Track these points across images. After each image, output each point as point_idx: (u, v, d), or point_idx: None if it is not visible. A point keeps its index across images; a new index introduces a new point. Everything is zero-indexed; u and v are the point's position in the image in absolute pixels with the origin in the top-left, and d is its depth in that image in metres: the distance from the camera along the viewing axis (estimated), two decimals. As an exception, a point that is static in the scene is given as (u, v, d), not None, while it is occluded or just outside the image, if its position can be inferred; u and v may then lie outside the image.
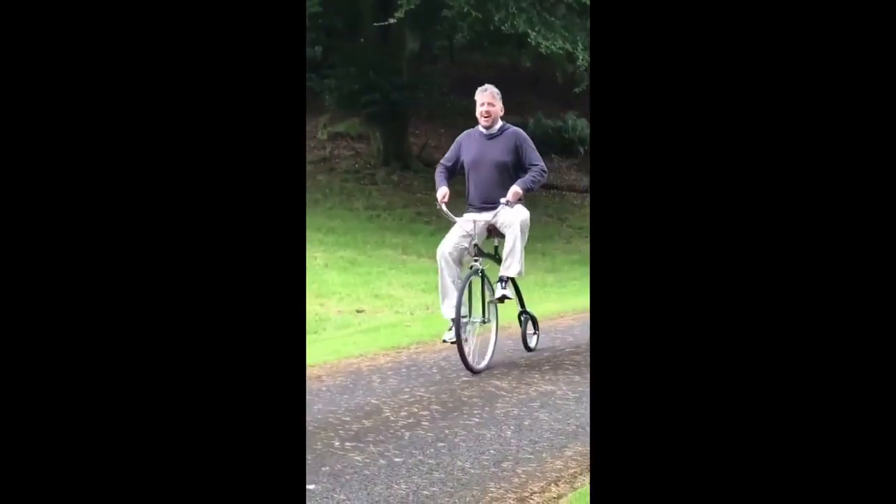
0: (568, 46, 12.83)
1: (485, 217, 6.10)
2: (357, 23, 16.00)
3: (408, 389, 5.51)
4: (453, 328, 5.85)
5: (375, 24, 13.96)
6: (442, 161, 6.39)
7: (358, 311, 8.55)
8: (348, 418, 4.88)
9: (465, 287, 5.94)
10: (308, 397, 5.27)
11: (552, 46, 12.70)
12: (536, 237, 13.47)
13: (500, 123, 6.23)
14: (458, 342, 5.81)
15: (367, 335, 7.42)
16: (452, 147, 6.37)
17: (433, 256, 11.55)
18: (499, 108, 6.21)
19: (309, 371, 5.95)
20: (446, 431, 4.68)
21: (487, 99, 6.18)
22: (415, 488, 3.85)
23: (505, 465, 4.21)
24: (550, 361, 6.36)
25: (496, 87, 6.25)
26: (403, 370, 5.99)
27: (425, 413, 5.03)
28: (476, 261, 6.07)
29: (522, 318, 6.61)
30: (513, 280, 6.21)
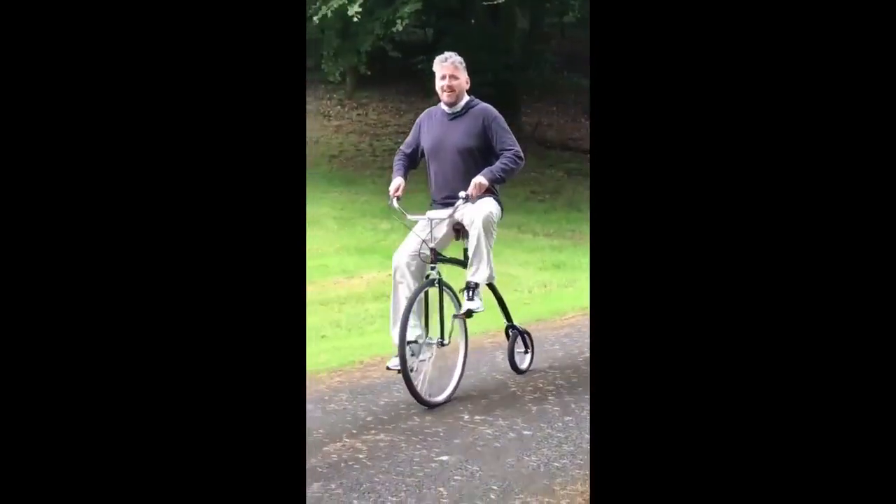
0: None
1: (442, 216, 4.91)
2: (467, 3, 16.08)
3: (531, 365, 5.59)
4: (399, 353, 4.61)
5: (485, 3, 14.01)
6: (401, 147, 5.20)
7: (477, 290, 8.65)
8: (475, 393, 4.98)
9: (414, 302, 4.68)
10: (434, 373, 5.41)
11: (666, 20, 12.51)
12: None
13: (465, 99, 4.98)
14: (404, 371, 4.53)
15: (488, 313, 7.39)
16: (413, 129, 5.17)
17: (549, 234, 11.70)
18: (464, 80, 4.95)
19: (433, 348, 6.09)
20: (572, 406, 4.74)
21: (449, 70, 4.91)
22: (545, 460, 3.93)
23: (633, 438, 4.25)
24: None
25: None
26: (526, 346, 6.07)
27: (550, 388, 5.10)
28: (432, 268, 4.85)
29: (510, 333, 5.47)
30: (494, 288, 5.26)
